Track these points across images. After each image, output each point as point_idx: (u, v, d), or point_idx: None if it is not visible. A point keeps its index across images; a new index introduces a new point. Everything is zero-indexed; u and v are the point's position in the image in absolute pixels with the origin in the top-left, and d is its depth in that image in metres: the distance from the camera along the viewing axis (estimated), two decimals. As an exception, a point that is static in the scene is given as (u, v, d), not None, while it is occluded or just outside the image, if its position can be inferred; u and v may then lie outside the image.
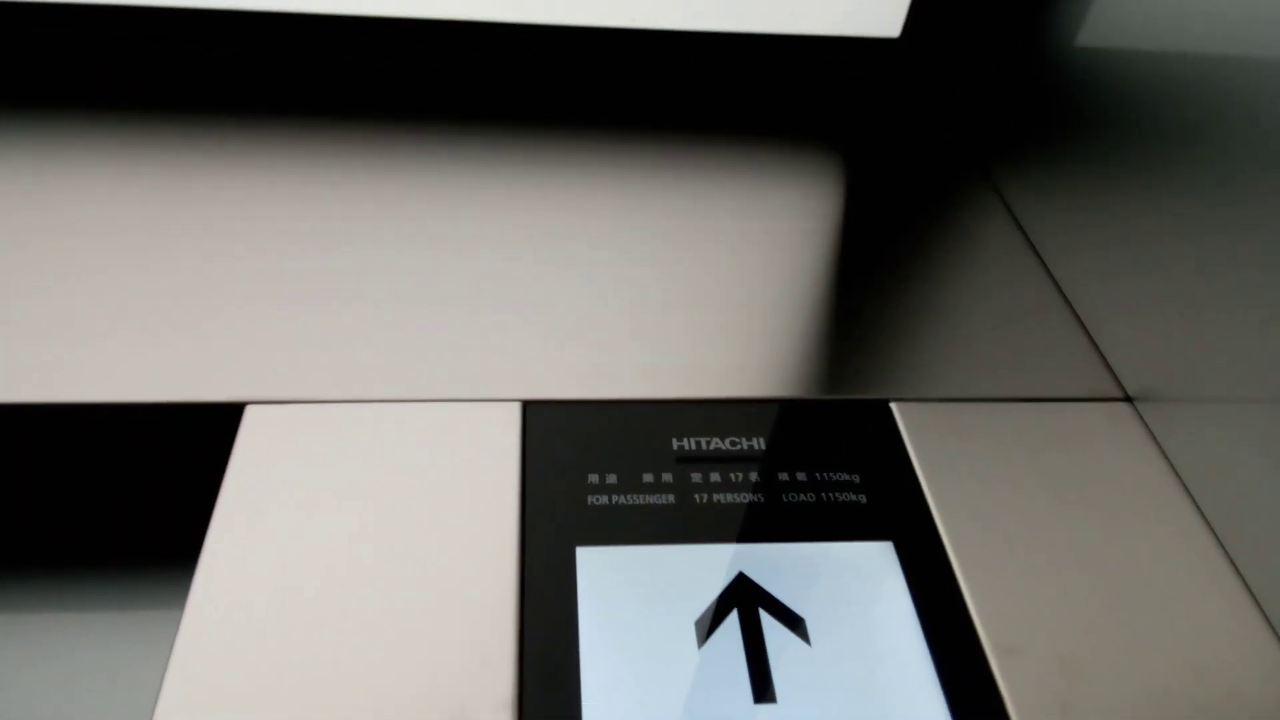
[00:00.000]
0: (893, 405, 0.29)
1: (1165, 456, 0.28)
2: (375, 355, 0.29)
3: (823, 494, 0.26)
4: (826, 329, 0.33)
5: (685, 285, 0.34)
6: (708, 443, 0.27)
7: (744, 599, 0.24)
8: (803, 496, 0.26)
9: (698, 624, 0.23)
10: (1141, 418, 0.30)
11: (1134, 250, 0.31)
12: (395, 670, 0.21)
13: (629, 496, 0.26)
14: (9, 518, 0.30)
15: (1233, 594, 0.25)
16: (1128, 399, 0.30)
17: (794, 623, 0.23)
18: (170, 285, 0.31)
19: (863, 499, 0.26)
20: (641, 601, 0.23)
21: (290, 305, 0.31)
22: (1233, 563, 0.25)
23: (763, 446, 0.28)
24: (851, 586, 0.24)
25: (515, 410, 0.28)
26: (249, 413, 0.26)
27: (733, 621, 0.23)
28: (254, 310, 0.30)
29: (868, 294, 0.35)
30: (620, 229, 0.36)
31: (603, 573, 0.24)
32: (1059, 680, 0.23)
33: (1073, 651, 0.23)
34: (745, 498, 0.26)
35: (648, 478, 0.26)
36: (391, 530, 0.24)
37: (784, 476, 0.27)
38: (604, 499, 0.26)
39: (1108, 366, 0.32)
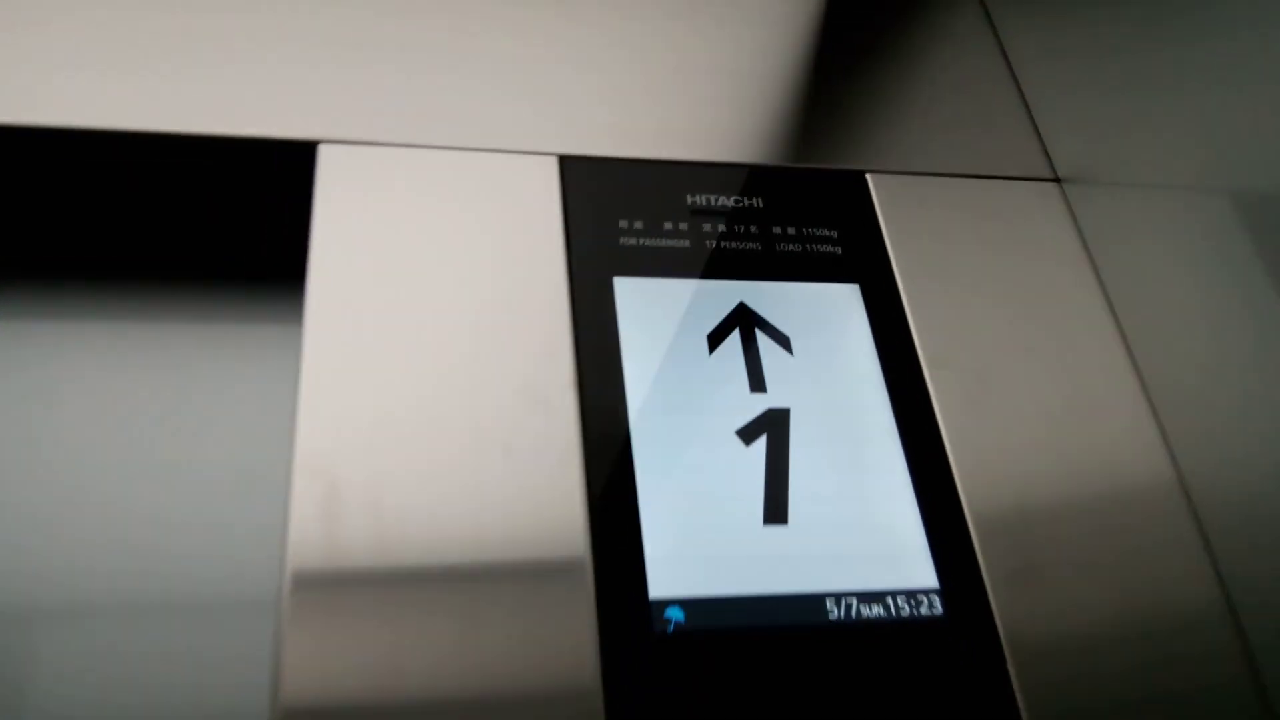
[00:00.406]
0: (868, 176, 0.35)
1: (1081, 235, 0.35)
2: (432, 104, 0.33)
3: (807, 245, 0.33)
4: (811, 100, 0.37)
5: (694, 54, 0.37)
6: (715, 199, 0.33)
7: (744, 321, 0.30)
8: (791, 246, 0.32)
9: (709, 337, 0.30)
10: (1066, 198, 0.36)
11: (1083, 39, 0.35)
12: (480, 361, 0.27)
13: (653, 240, 0.31)
14: (128, 236, 0.34)
15: (1117, 361, 0.32)
16: (1057, 180, 0.37)
17: (781, 339, 0.30)
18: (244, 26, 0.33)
19: (839, 250, 0.33)
20: (665, 319, 0.30)
21: (349, 51, 0.33)
22: (1125, 341, 0.33)
23: (761, 204, 0.33)
24: (826, 315, 0.31)
25: (554, 164, 0.32)
26: (322, 151, 0.30)
27: (735, 336, 0.30)
28: (320, 54, 0.33)
29: (848, 71, 0.39)
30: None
31: (635, 296, 0.30)
32: (975, 386, 0.30)
33: (986, 366, 0.31)
34: (746, 245, 0.32)
35: (667, 225, 0.32)
36: (462, 258, 0.29)
37: (777, 230, 0.33)
38: (633, 241, 0.31)
39: (1044, 149, 0.38)
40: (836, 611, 0.26)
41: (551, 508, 0.26)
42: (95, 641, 0.30)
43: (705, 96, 0.36)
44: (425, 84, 0.33)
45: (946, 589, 0.27)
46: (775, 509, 0.27)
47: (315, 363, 0.27)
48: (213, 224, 0.34)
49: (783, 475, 0.28)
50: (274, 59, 0.32)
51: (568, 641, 0.24)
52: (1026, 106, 0.39)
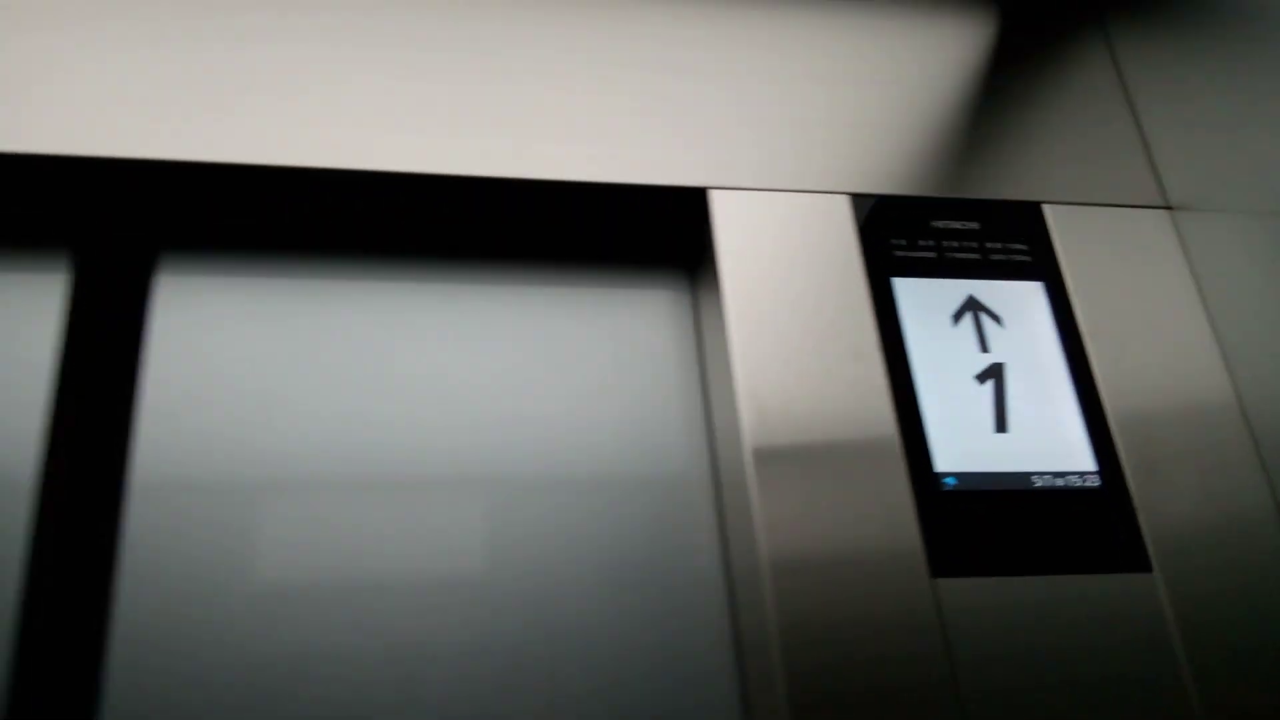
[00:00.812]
0: (1044, 207, 0.52)
1: (1187, 255, 0.52)
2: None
3: (1009, 255, 0.50)
4: (975, 131, 0.54)
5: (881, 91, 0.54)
6: (949, 224, 0.50)
7: (972, 306, 0.48)
8: (997, 256, 0.50)
9: (952, 316, 0.48)
10: (1176, 225, 0.53)
11: (1205, 80, 0.52)
12: (826, 337, 0.46)
13: (913, 252, 0.49)
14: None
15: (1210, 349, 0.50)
16: (1169, 207, 0.53)
17: (995, 318, 0.48)
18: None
19: (1029, 259, 0.50)
20: (926, 305, 0.48)
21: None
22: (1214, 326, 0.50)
23: (977, 227, 0.50)
24: (1022, 303, 0.49)
25: (847, 200, 0.50)
26: (714, 196, 0.48)
27: (969, 316, 0.48)
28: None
29: (1009, 101, 0.55)
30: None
31: (906, 290, 0.48)
32: (1116, 349, 0.48)
33: (1123, 335, 0.48)
34: (969, 255, 0.50)
35: (921, 242, 0.49)
36: (807, 269, 0.47)
37: (989, 244, 0.50)
38: (901, 253, 0.49)
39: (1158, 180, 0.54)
40: (1039, 482, 0.44)
41: (869, 413, 0.44)
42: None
43: (879, 128, 0.53)
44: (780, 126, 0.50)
45: (1101, 471, 0.45)
46: (1000, 423, 0.45)
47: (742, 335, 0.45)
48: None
49: (1002, 403, 0.46)
50: (659, 119, 0.50)
51: (894, 498, 0.42)
52: (1144, 143, 0.56)
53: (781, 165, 0.50)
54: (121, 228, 0.49)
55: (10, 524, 0.42)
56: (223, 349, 0.47)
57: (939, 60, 0.56)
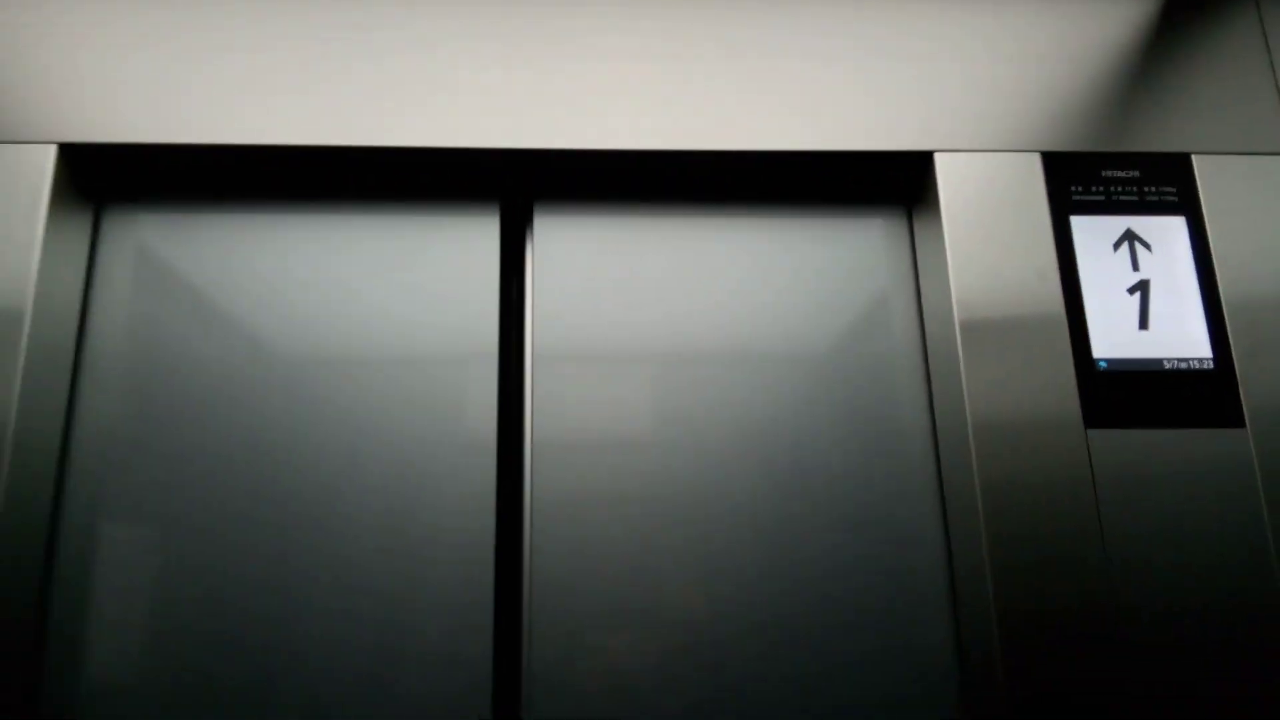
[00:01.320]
0: (1193, 157, 0.67)
1: (1303, 183, 0.67)
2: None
3: (1161, 196, 0.66)
4: (1136, 92, 0.69)
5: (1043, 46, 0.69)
6: (1114, 172, 0.67)
7: (1129, 237, 0.65)
8: (1151, 197, 0.66)
9: (1113, 245, 0.65)
10: (1299, 165, 0.68)
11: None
12: (1024, 264, 0.64)
13: (1085, 195, 0.66)
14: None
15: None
16: (1295, 154, 0.68)
17: (1146, 245, 0.65)
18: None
19: (1176, 198, 0.66)
20: (1094, 237, 0.65)
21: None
22: None
23: (1137, 174, 0.67)
24: (1167, 234, 0.66)
25: (1038, 158, 0.66)
26: (938, 159, 0.66)
27: (1125, 245, 0.65)
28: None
29: (1164, 64, 0.70)
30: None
31: (1081, 225, 0.65)
32: (1237, 270, 0.65)
33: (1245, 258, 0.65)
34: (1129, 197, 0.66)
35: (1093, 187, 0.66)
36: (1016, 212, 0.65)
37: (1146, 188, 0.66)
38: (1076, 197, 0.66)
39: (1291, 135, 0.68)
40: (1168, 365, 0.63)
41: (1047, 313, 0.63)
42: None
43: (1060, 94, 0.68)
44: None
45: (1215, 358, 0.63)
46: (1143, 323, 0.64)
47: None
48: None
49: (1146, 309, 0.64)
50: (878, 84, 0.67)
51: (1062, 375, 0.62)
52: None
53: (989, 130, 0.67)
54: (518, 188, 0.71)
55: (484, 394, 0.66)
56: (575, 269, 0.70)
57: (1103, 31, 0.70)
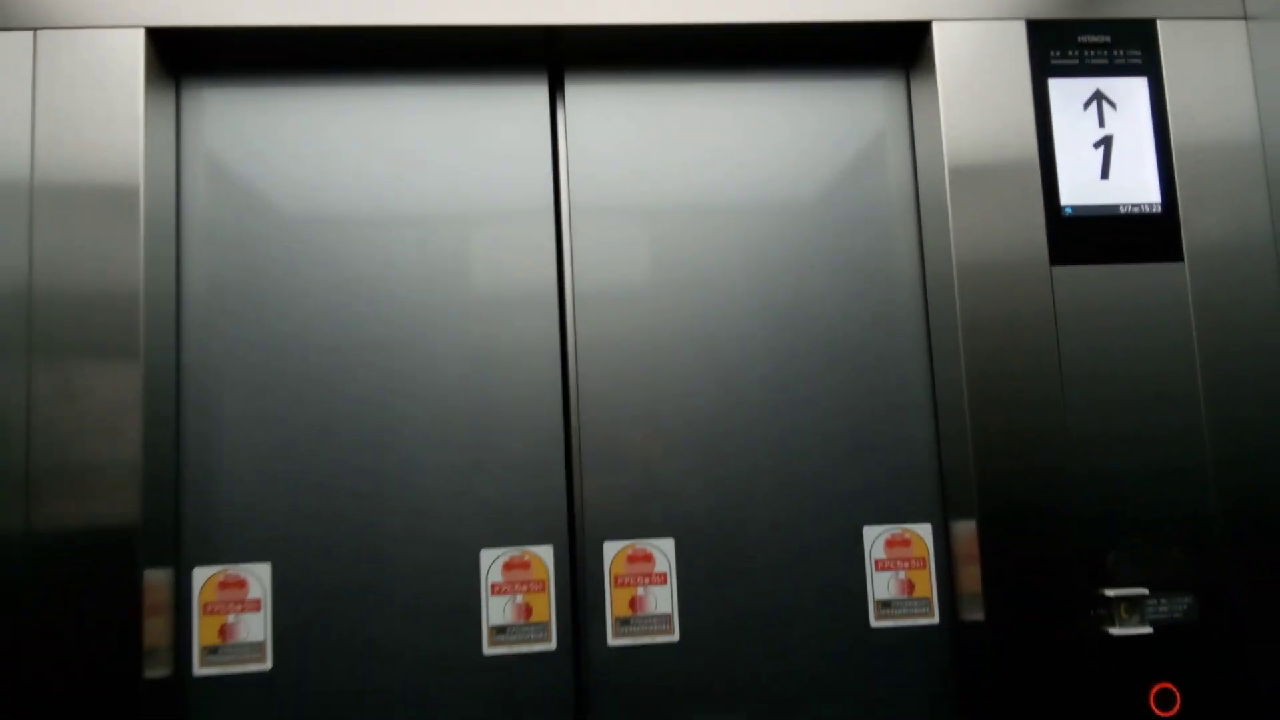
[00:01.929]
0: (1158, 22, 0.76)
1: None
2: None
3: (1127, 59, 0.75)
4: None
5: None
6: (1089, 38, 0.75)
7: (1097, 98, 0.75)
8: (1120, 60, 0.75)
9: (1083, 103, 0.75)
10: (1249, 33, 0.76)
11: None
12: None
13: (1063, 60, 0.75)
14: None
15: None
16: (1247, 18, 0.77)
17: (1111, 104, 0.75)
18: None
19: (1140, 60, 0.75)
20: (1068, 96, 0.74)
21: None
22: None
23: (1109, 39, 0.75)
24: (1130, 92, 0.75)
25: (1022, 25, 0.74)
26: (935, 28, 0.73)
27: (1094, 103, 0.75)
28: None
29: None
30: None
31: (1057, 86, 0.74)
32: (1183, 121, 0.75)
33: (1191, 110, 0.75)
34: (1100, 61, 0.75)
35: (1069, 52, 0.75)
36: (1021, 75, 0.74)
37: (1115, 52, 0.75)
38: (1055, 61, 0.75)
39: None
40: (1123, 210, 0.74)
41: (1023, 162, 0.73)
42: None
43: None
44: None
45: (1163, 203, 0.74)
46: (1105, 173, 0.74)
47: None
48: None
49: (1108, 161, 0.74)
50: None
51: (1033, 218, 0.73)
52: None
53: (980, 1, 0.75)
54: (551, 59, 0.78)
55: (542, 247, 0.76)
56: (597, 128, 0.78)
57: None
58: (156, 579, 0.68)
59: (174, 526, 0.71)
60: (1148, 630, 0.69)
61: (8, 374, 0.66)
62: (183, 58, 0.75)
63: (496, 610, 0.73)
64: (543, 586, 0.73)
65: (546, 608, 0.73)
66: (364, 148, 0.76)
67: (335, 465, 0.73)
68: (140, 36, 0.69)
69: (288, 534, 0.72)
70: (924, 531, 0.76)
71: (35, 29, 0.68)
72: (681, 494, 0.75)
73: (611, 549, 0.74)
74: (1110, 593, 0.69)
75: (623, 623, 0.74)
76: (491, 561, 0.73)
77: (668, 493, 0.75)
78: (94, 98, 0.68)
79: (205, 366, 0.73)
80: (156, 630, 0.68)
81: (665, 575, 0.74)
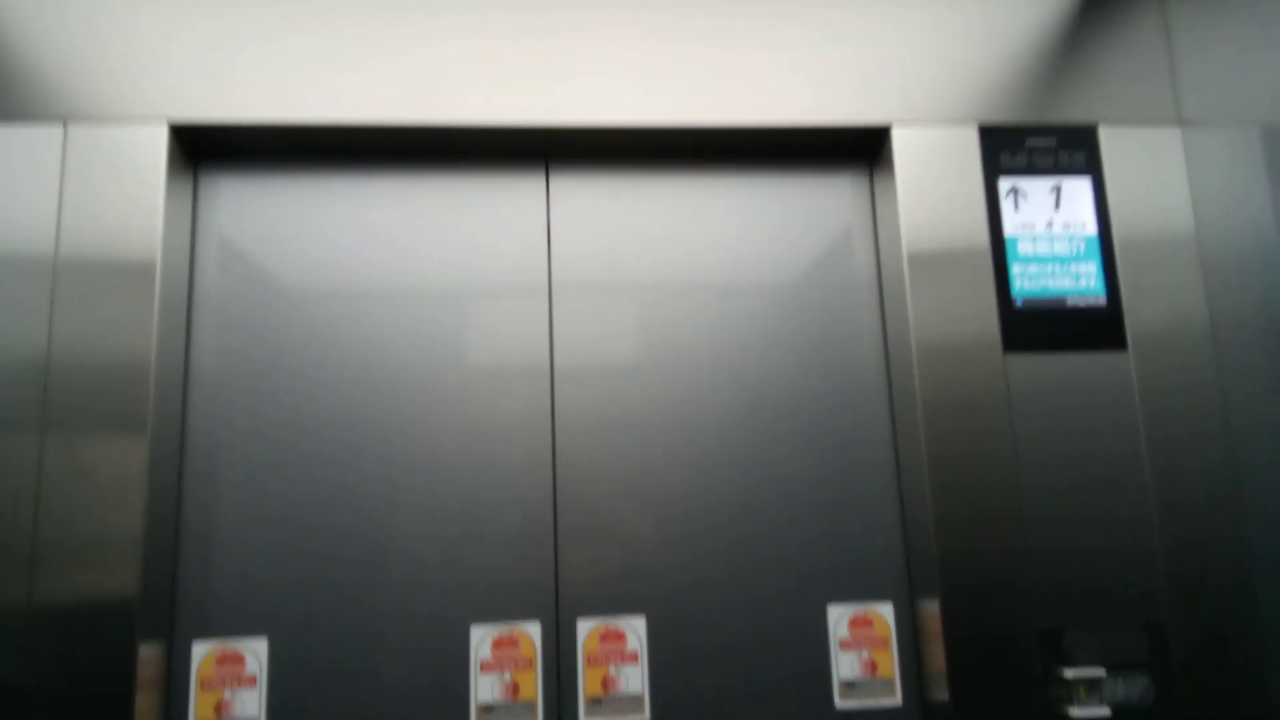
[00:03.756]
0: (1100, 127, 0.81)
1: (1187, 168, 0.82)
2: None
3: (1071, 159, 0.80)
4: (1056, 73, 0.82)
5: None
6: (1034, 142, 0.80)
7: (1048, 192, 0.80)
8: (1065, 159, 0.80)
9: (1032, 197, 0.79)
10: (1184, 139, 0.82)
11: (1235, 35, 0.80)
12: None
13: (1012, 160, 0.80)
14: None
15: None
16: (1180, 124, 0.82)
17: (1059, 198, 0.80)
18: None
19: (1084, 160, 0.80)
20: (1015, 194, 0.79)
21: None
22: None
23: (1054, 141, 0.81)
24: (1077, 190, 0.80)
25: (974, 130, 0.80)
26: (895, 131, 0.78)
27: (1044, 197, 0.79)
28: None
29: (1079, 48, 0.83)
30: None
31: (1005, 183, 0.79)
32: (1124, 203, 0.80)
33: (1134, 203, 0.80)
34: (1048, 160, 0.80)
35: (1017, 155, 0.80)
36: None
37: (1061, 152, 0.80)
38: (1006, 164, 0.79)
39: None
40: (1070, 302, 0.78)
41: (976, 252, 0.77)
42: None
43: (992, 75, 0.81)
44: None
45: (1107, 295, 0.78)
46: (1053, 266, 0.79)
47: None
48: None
49: (1054, 255, 0.79)
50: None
51: (986, 305, 0.77)
52: (1174, 84, 0.84)
53: (936, 106, 0.80)
54: (542, 154, 0.81)
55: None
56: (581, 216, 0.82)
57: (1027, 19, 0.83)
58: (152, 652, 0.68)
59: (170, 598, 0.71)
60: (1106, 712, 0.70)
61: (21, 449, 0.67)
62: (202, 148, 0.78)
63: (485, 688, 0.73)
64: (530, 664, 0.73)
65: (534, 686, 0.73)
66: (368, 232, 0.79)
67: (333, 537, 0.74)
68: (164, 130, 0.73)
69: (285, 608, 0.73)
70: (886, 611, 0.77)
71: (66, 121, 0.72)
72: (654, 570, 0.76)
73: (585, 627, 0.75)
74: (1069, 674, 0.71)
75: (594, 703, 0.74)
76: (481, 639, 0.74)
77: (640, 569, 0.76)
78: (118, 185, 0.71)
79: (210, 439, 0.75)
80: (149, 704, 0.68)
81: (637, 654, 0.75)
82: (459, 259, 0.80)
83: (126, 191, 0.71)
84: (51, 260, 0.70)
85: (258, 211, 0.79)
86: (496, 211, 0.81)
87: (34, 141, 0.71)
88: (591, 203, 0.82)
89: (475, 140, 0.79)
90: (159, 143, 0.72)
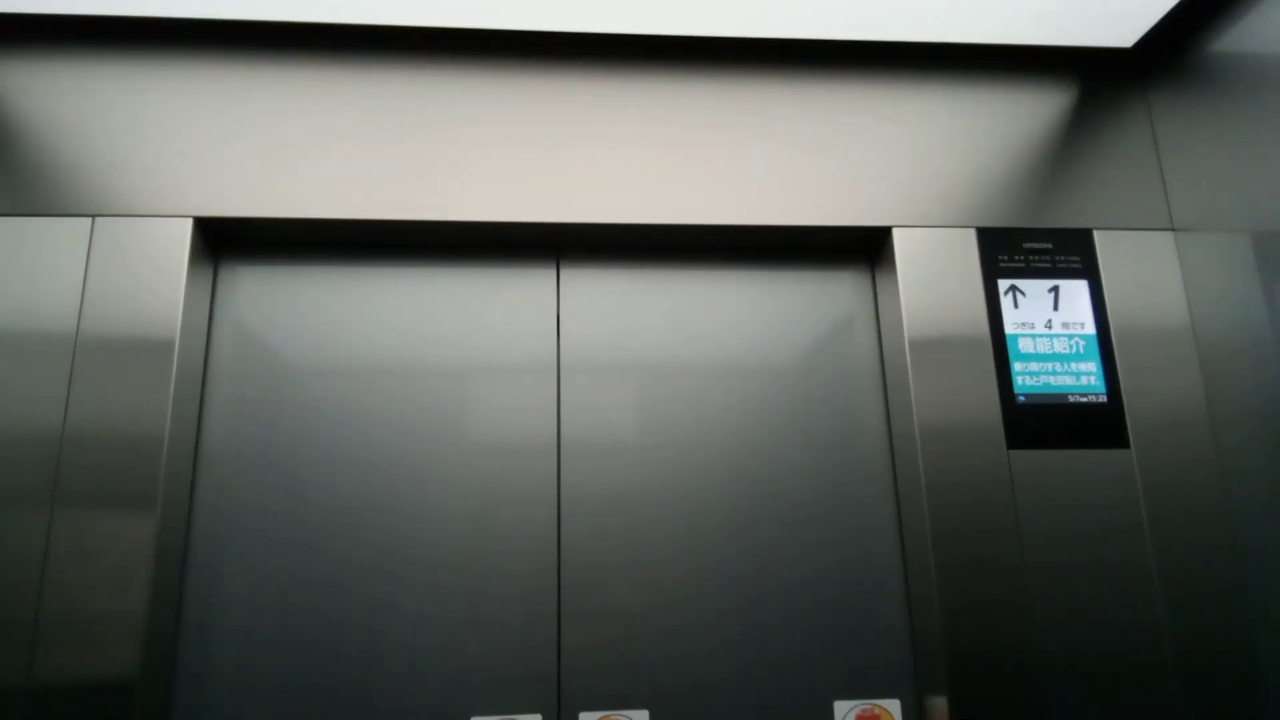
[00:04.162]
0: (1094, 232, 0.84)
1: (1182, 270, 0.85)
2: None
3: (1069, 263, 0.83)
4: (1052, 177, 0.86)
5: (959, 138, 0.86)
6: (1032, 245, 0.84)
7: (1046, 293, 0.82)
8: (1062, 263, 0.83)
9: (1031, 299, 0.82)
10: (1177, 243, 0.85)
11: (1229, 152, 0.83)
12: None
13: (1009, 263, 0.83)
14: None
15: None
16: (1173, 229, 0.85)
17: (1058, 300, 0.82)
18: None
19: (1080, 265, 0.83)
20: (1013, 295, 0.82)
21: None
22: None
23: (1050, 246, 0.84)
24: (1075, 293, 0.83)
25: (974, 234, 0.83)
26: (896, 234, 0.82)
27: (1042, 299, 0.82)
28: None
29: (1074, 155, 0.87)
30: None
31: (1005, 283, 0.82)
32: (1120, 298, 0.82)
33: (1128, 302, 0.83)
34: (1045, 263, 0.83)
35: (1015, 256, 0.83)
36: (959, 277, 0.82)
37: (1058, 258, 0.83)
38: (1003, 265, 0.83)
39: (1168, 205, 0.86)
40: (1072, 399, 0.80)
41: (978, 353, 0.80)
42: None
43: (990, 180, 0.85)
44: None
45: (1108, 393, 0.80)
46: (1053, 365, 0.81)
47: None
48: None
49: (1055, 354, 0.81)
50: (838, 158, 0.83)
51: (989, 403, 0.79)
52: (1164, 187, 0.87)
53: (935, 209, 0.84)
54: (554, 247, 0.86)
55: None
56: (588, 307, 0.85)
57: (1023, 129, 0.88)
58: (147, 736, 0.69)
59: (169, 681, 0.72)
60: (1116, 817, 0.69)
61: (29, 526, 0.69)
62: (224, 240, 0.83)
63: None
64: (531, 764, 0.74)
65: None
66: (381, 319, 0.83)
67: (332, 626, 0.75)
68: (188, 225, 0.77)
69: (283, 697, 0.74)
70: (893, 708, 0.77)
71: (94, 216, 0.77)
72: (656, 662, 0.77)
73: (588, 720, 0.75)
74: (1078, 775, 0.70)
75: (598, 802, 0.73)
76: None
77: (643, 661, 0.77)
78: (141, 275, 0.75)
79: (215, 518, 0.77)
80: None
81: (641, 750, 0.75)
82: (471, 344, 0.83)
83: (150, 281, 0.75)
84: (72, 341, 0.73)
85: (276, 298, 0.83)
86: (509, 300, 0.85)
87: (62, 233, 0.76)
88: (601, 295, 0.86)
89: (490, 235, 0.84)
90: (183, 234, 0.77)
